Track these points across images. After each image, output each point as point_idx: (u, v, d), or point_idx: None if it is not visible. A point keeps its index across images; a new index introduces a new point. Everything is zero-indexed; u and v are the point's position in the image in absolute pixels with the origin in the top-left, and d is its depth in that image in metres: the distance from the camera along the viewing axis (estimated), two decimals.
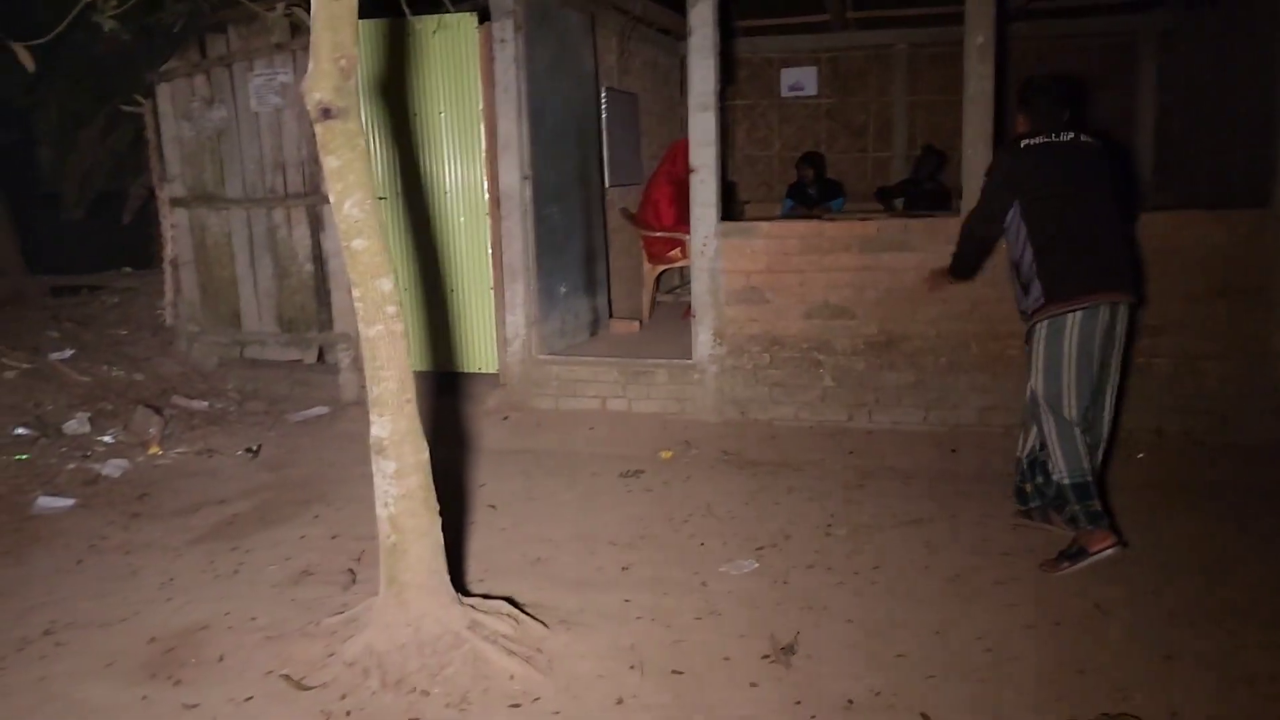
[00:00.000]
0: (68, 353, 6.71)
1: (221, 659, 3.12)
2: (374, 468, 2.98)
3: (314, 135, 2.83)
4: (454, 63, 5.90)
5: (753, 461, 5.07)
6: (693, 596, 3.50)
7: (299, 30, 5.75)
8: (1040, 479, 3.92)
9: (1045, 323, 3.66)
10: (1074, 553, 3.60)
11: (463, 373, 6.22)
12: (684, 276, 7.78)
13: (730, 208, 7.34)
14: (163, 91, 6.84)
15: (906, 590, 3.52)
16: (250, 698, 2.88)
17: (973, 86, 5.07)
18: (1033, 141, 3.71)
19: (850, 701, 2.79)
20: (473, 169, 6.01)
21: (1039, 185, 3.68)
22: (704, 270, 5.53)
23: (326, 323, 6.58)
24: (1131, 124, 8.68)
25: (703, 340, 5.58)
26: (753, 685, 2.90)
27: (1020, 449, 4.03)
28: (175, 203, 6.95)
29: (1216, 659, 2.98)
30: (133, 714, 2.84)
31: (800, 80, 9.75)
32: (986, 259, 4.27)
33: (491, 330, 6.08)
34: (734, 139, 9.90)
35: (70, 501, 4.70)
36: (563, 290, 6.28)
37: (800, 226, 5.62)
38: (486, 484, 4.81)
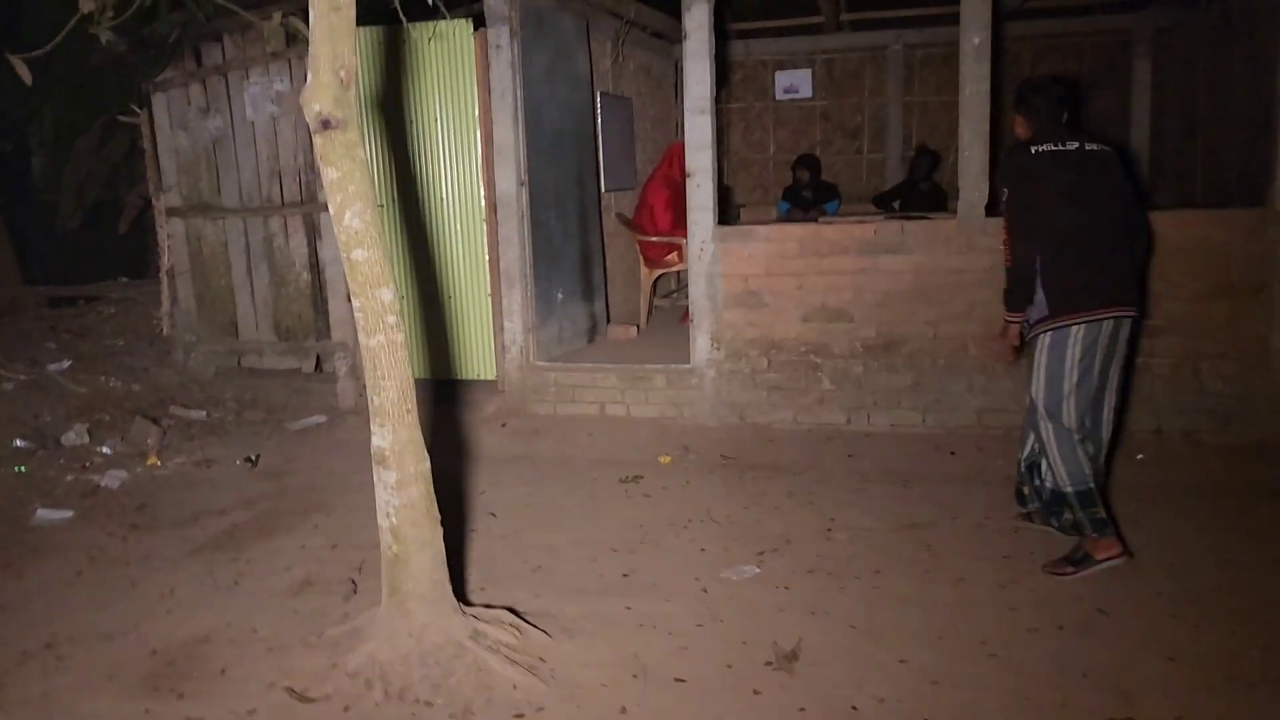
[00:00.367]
0: (65, 364, 6.71)
1: (224, 671, 3.12)
2: (375, 478, 2.98)
3: (310, 143, 2.82)
4: (450, 69, 5.90)
5: (752, 466, 5.07)
6: (694, 603, 3.50)
7: (295, 39, 5.74)
8: (1039, 481, 3.93)
9: (1048, 334, 3.65)
10: (1079, 558, 3.61)
11: (461, 380, 6.21)
12: (681, 281, 7.78)
13: (726, 211, 7.35)
14: (158, 101, 6.84)
15: (908, 595, 3.52)
16: (253, 710, 2.88)
17: (969, 88, 5.08)
18: (1041, 149, 3.67)
19: (855, 708, 2.79)
20: (469, 175, 6.00)
21: (1049, 195, 3.63)
22: (701, 274, 5.53)
23: (324, 331, 6.58)
24: (1126, 123, 8.69)
25: (700, 345, 5.58)
26: (756, 693, 2.89)
27: (1021, 451, 4.04)
28: (171, 212, 6.94)
29: (1219, 661, 2.98)
30: None
31: (795, 83, 9.76)
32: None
33: (489, 337, 6.07)
34: (729, 142, 9.91)
35: (69, 513, 4.69)
36: (560, 296, 6.28)
37: (798, 230, 5.63)
38: (486, 491, 4.80)
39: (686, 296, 5.86)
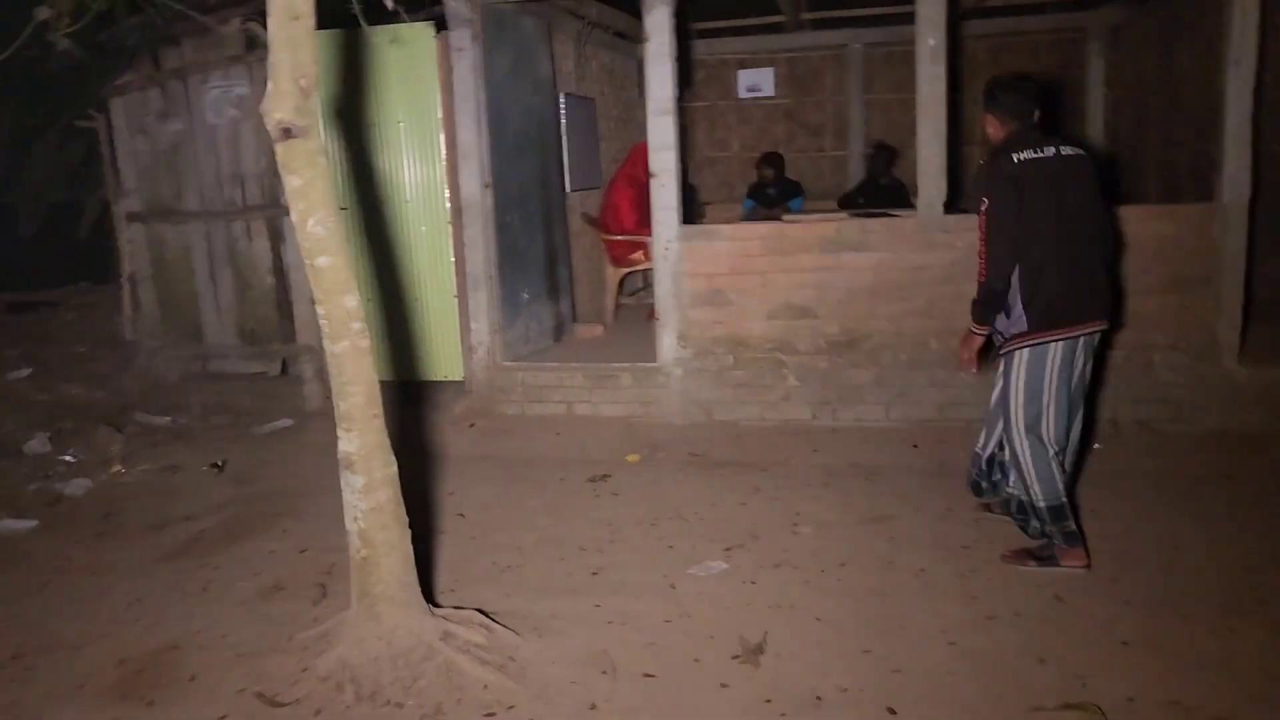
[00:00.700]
0: (25, 371, 6.64)
1: (193, 678, 3.12)
2: (342, 483, 3.00)
3: (273, 148, 2.83)
4: (412, 73, 5.90)
5: (719, 463, 5.13)
6: (662, 599, 3.55)
7: (254, 43, 5.72)
8: (998, 476, 3.98)
9: (1026, 350, 3.58)
10: (1045, 557, 3.65)
11: (429, 381, 6.22)
12: (647, 279, 7.82)
13: (691, 210, 7.40)
14: (116, 105, 6.77)
15: (872, 586, 3.59)
16: (224, 716, 2.89)
17: (926, 88, 5.17)
18: (1022, 156, 3.53)
19: (819, 698, 2.85)
20: (433, 178, 6.01)
21: (1031, 206, 3.50)
22: (666, 274, 5.58)
23: (289, 334, 6.55)
24: (1082, 120, 8.85)
25: (667, 343, 5.63)
26: (723, 686, 2.95)
27: (980, 444, 4.08)
28: (132, 217, 6.88)
29: (1170, 644, 3.08)
30: None
31: (757, 81, 9.84)
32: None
33: (456, 338, 6.09)
34: (693, 141, 9.97)
35: (33, 523, 4.65)
36: (526, 296, 6.30)
37: (762, 228, 5.69)
38: (455, 492, 4.83)
39: (652, 295, 5.90)
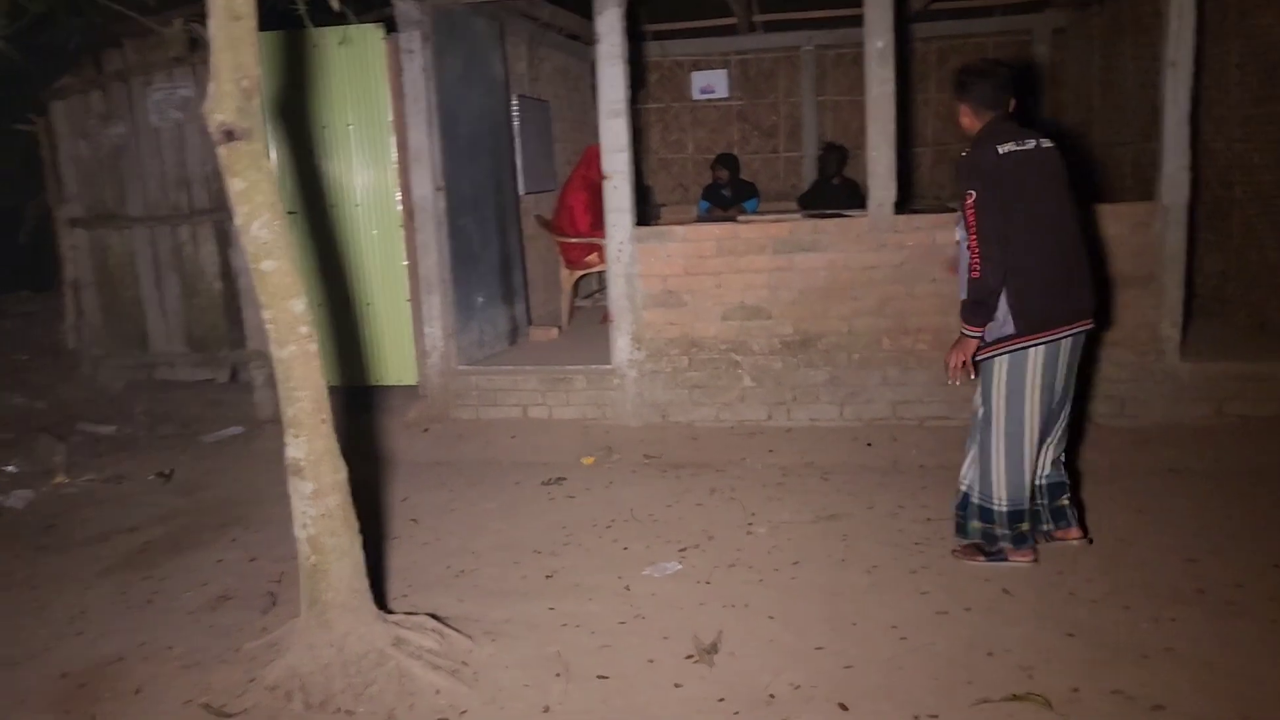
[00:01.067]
0: None
1: (138, 691, 3.06)
2: (291, 489, 2.96)
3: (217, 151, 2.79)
4: (361, 75, 5.84)
5: (674, 464, 5.14)
6: (617, 601, 3.55)
7: (198, 44, 5.63)
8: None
9: (1006, 357, 3.48)
10: (993, 552, 3.67)
11: (382, 386, 6.16)
12: (602, 281, 7.82)
13: (646, 211, 7.42)
14: (57, 109, 6.64)
15: (824, 584, 3.62)
16: None
17: (875, 89, 5.22)
18: (1005, 148, 3.41)
19: (772, 696, 2.87)
20: (384, 181, 5.96)
21: (1020, 199, 3.39)
22: (620, 275, 5.58)
23: (239, 340, 6.46)
24: (1030, 120, 8.98)
25: (621, 345, 5.63)
26: (677, 685, 2.95)
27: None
28: (74, 223, 6.74)
29: (1114, 635, 3.13)
30: None
31: (711, 83, 9.89)
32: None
33: (409, 342, 6.03)
34: (647, 142, 9.99)
35: None
36: (480, 300, 6.26)
37: (715, 229, 5.71)
38: (408, 498, 4.78)
39: (607, 297, 5.90)
